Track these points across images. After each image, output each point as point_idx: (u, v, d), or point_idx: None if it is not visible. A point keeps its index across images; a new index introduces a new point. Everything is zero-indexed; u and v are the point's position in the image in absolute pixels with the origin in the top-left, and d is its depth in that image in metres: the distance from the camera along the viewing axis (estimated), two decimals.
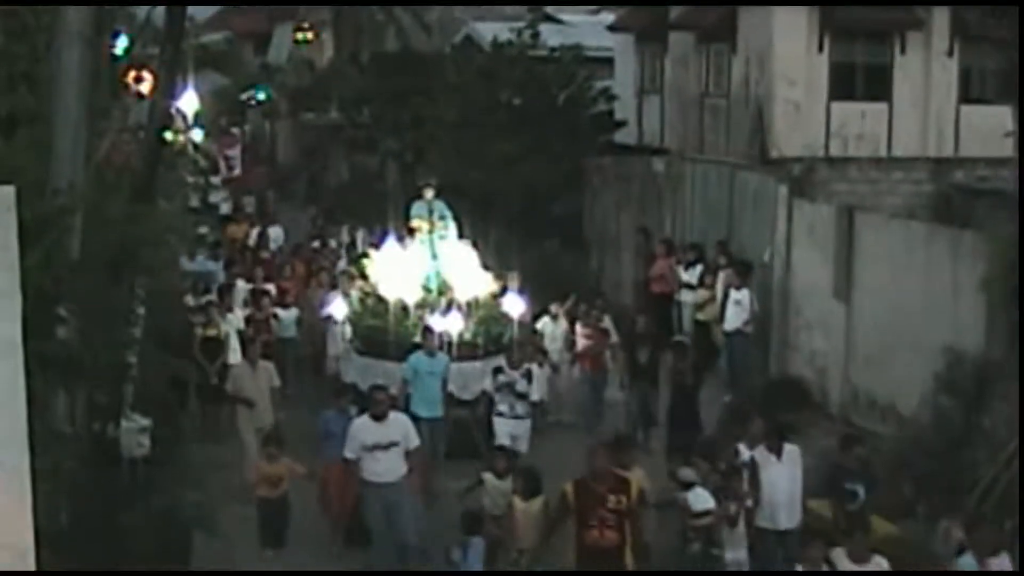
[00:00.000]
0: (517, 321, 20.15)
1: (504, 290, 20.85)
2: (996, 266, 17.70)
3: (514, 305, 20.26)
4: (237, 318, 22.07)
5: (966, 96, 26.96)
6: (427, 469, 16.53)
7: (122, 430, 14.74)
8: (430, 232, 21.06)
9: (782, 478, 14.46)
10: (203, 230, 29.38)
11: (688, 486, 14.26)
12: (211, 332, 21.12)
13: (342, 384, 18.60)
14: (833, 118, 26.45)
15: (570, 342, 22.16)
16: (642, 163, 30.25)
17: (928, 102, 26.82)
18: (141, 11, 26.03)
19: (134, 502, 13.32)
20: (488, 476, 15.58)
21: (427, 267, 20.70)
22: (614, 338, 21.92)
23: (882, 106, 26.77)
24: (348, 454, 15.13)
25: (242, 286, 24.07)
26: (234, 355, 20.81)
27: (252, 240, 30.44)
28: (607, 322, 22.23)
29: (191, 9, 20.87)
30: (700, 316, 24.59)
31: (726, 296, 23.29)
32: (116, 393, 14.23)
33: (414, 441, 15.29)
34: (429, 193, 21.52)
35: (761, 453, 14.63)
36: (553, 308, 22.46)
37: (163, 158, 19.70)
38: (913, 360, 19.70)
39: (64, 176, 11.50)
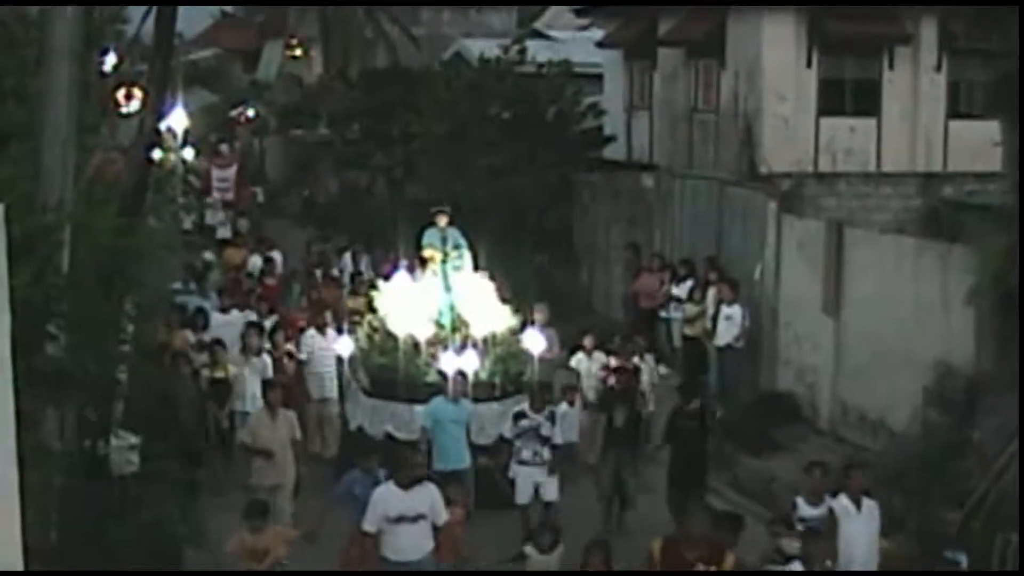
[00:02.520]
0: (537, 358, 18.49)
1: (523, 325, 19.36)
2: (985, 280, 17.72)
3: (534, 341, 18.59)
4: (264, 362, 19.88)
5: (955, 111, 26.98)
6: (463, 531, 14.55)
7: (112, 447, 14.71)
8: (443, 262, 19.75)
9: (860, 534, 13.40)
10: (208, 256, 28.10)
11: (789, 559, 12.86)
12: (219, 373, 19.40)
13: (369, 441, 16.83)
14: (822, 133, 26.46)
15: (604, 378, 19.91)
16: (631, 178, 30.28)
17: (917, 117, 26.84)
18: (130, 28, 26.10)
19: (124, 519, 13.27)
20: (530, 550, 14.28)
21: (440, 300, 19.35)
22: (645, 378, 20.12)
23: (871, 121, 26.78)
24: (368, 527, 13.38)
25: (237, 316, 22.08)
26: (253, 401, 18.92)
27: (254, 266, 27.92)
28: (648, 360, 20.75)
29: (180, 26, 20.76)
30: (689, 331, 24.62)
31: (717, 311, 23.32)
32: (106, 409, 14.20)
33: (442, 516, 13.56)
34: (442, 220, 20.10)
35: (841, 504, 13.50)
36: (587, 342, 20.73)
37: (153, 177, 19.53)
38: (903, 374, 19.71)
39: (53, 192, 11.49)
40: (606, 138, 32.72)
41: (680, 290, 25.25)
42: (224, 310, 22.46)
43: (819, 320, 21.99)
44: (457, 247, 20.00)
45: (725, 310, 23.08)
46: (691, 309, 24.48)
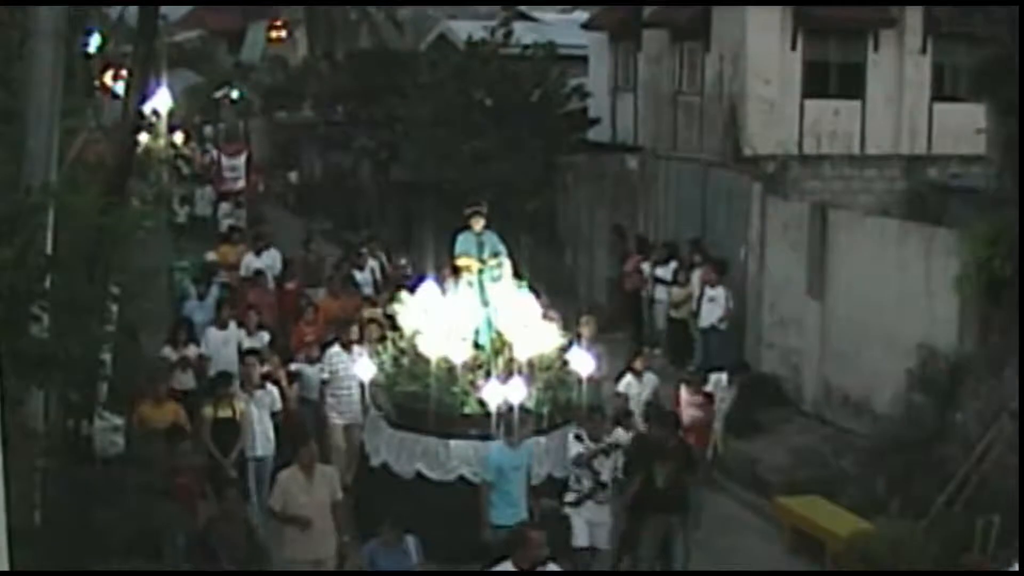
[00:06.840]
0: (586, 380, 15.92)
1: (571, 343, 16.86)
2: (969, 263, 17.77)
3: (583, 362, 15.98)
4: (272, 395, 16.84)
5: (939, 94, 27.02)
6: None
7: (95, 429, 14.69)
8: (480, 272, 16.83)
9: None
10: (211, 256, 25.36)
11: None
12: (224, 412, 16.10)
13: (388, 510, 13.56)
14: (807, 116, 26.48)
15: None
16: (616, 161, 30.26)
17: (901, 100, 26.88)
18: (114, 9, 25.94)
19: (108, 500, 13.27)
20: None
21: (477, 317, 16.57)
22: (717, 403, 18.91)
23: (855, 104, 26.81)
24: None
25: (234, 332, 19.20)
26: (264, 443, 16.38)
27: (268, 266, 24.12)
28: (711, 383, 19.00)
29: (165, 8, 20.67)
30: (674, 313, 24.61)
31: (702, 293, 23.34)
32: (89, 391, 14.20)
33: None
34: (478, 223, 16.98)
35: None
36: (638, 364, 18.33)
37: (138, 161, 19.32)
38: (886, 357, 19.76)
39: (37, 174, 11.48)
40: (591, 120, 32.71)
41: (664, 272, 25.26)
42: (222, 324, 19.42)
43: (803, 302, 22.03)
44: (496, 254, 17.04)
45: (708, 292, 23.08)
46: (678, 292, 24.47)
